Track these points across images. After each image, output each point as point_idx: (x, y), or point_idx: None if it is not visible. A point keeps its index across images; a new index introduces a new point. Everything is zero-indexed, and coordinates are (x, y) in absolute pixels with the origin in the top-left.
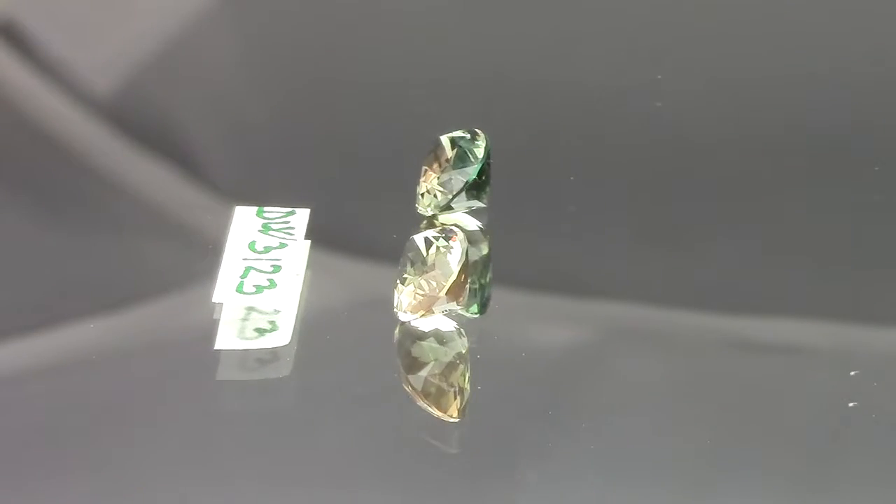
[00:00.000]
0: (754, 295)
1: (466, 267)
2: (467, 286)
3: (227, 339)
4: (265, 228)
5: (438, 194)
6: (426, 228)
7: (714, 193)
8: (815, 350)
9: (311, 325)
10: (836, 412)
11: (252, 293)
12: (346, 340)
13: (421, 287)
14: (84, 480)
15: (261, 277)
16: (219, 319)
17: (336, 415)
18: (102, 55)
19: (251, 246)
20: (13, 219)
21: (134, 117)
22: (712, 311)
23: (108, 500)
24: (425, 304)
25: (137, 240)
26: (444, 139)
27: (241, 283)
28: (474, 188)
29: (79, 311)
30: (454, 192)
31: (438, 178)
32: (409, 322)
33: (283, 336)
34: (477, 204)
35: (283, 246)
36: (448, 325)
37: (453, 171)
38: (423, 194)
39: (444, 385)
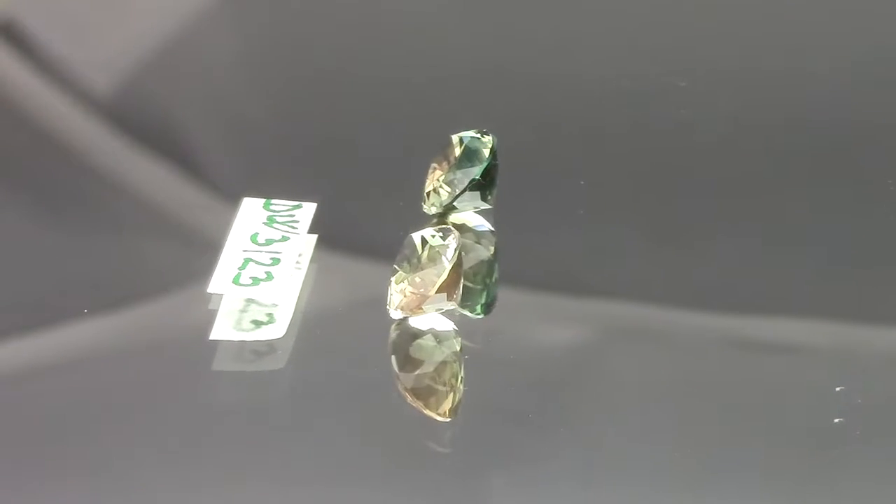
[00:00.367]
0: (756, 295)
1: (460, 266)
2: (461, 285)
3: (223, 329)
4: (270, 221)
5: (442, 193)
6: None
7: (714, 193)
8: (816, 350)
9: (310, 319)
10: (835, 412)
11: (248, 285)
12: (344, 336)
13: (412, 285)
14: (82, 479)
15: (259, 270)
16: (215, 310)
17: (327, 410)
18: (102, 54)
19: (253, 238)
20: (13, 218)
21: (133, 116)
22: (713, 311)
23: (107, 498)
24: (416, 301)
25: (137, 238)
26: (454, 138)
27: (239, 275)
28: (478, 188)
29: (78, 309)
30: (457, 192)
31: (444, 177)
32: (407, 320)
33: (278, 329)
34: (482, 205)
35: (284, 239)
36: (443, 325)
37: (458, 171)
38: (428, 193)
39: (435, 384)
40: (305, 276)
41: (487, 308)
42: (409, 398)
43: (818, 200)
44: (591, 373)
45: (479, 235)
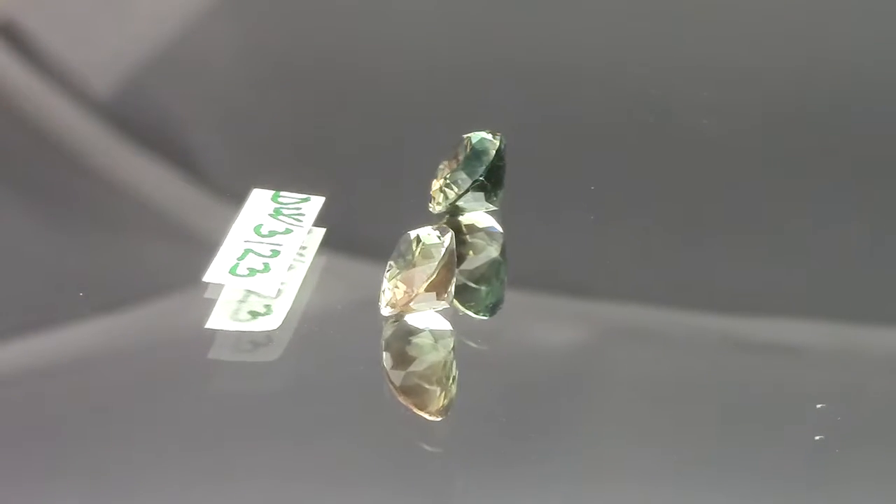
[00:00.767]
0: (758, 296)
1: (452, 265)
2: (452, 285)
3: (220, 319)
4: (276, 213)
5: (448, 193)
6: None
7: (715, 193)
8: (817, 351)
9: (309, 312)
10: (835, 413)
11: (245, 276)
12: (342, 331)
13: (403, 282)
14: (80, 480)
15: (257, 261)
16: (212, 299)
17: (317, 405)
18: (102, 55)
19: (257, 229)
20: (13, 218)
21: (133, 117)
22: (713, 312)
23: (106, 498)
24: (405, 299)
25: (136, 239)
26: (465, 138)
27: (237, 265)
28: (482, 189)
29: (77, 310)
30: (460, 192)
31: (449, 176)
32: (403, 318)
33: (274, 320)
34: (487, 205)
35: (288, 232)
36: (440, 324)
37: (462, 171)
38: (434, 192)
39: (425, 383)
40: (309, 270)
41: (492, 309)
42: (399, 396)
43: (818, 201)
44: (591, 374)
45: (487, 236)
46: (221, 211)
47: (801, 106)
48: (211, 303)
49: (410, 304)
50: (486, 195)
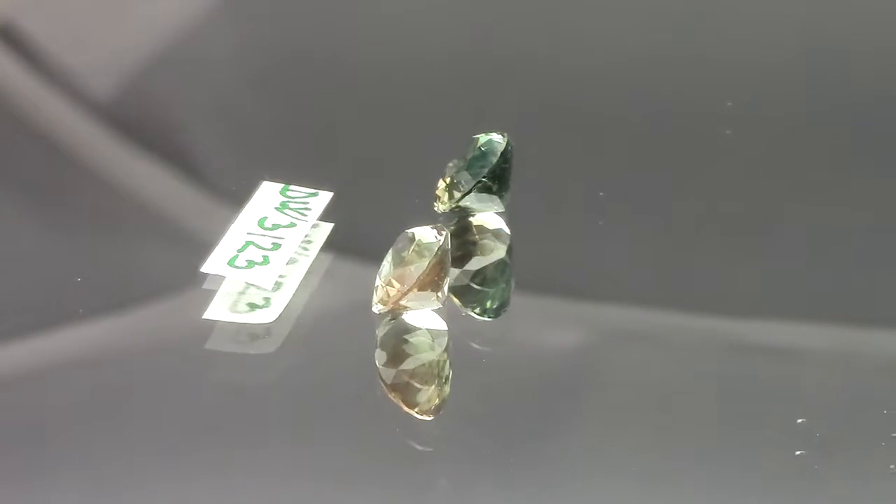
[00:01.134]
0: (757, 297)
1: (443, 265)
2: (444, 284)
3: (218, 310)
4: (282, 206)
5: (451, 193)
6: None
7: (714, 195)
8: (817, 352)
9: (311, 307)
10: (834, 414)
11: (243, 267)
12: (340, 327)
13: (394, 279)
14: (78, 481)
15: (257, 253)
16: (210, 290)
17: (308, 400)
18: (102, 57)
19: (261, 222)
20: (12, 220)
21: (133, 118)
22: (713, 314)
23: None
24: (395, 297)
25: (136, 240)
26: (473, 139)
27: (236, 257)
28: (486, 190)
29: (76, 311)
30: (463, 192)
31: (453, 176)
32: (400, 317)
33: (271, 313)
34: (491, 207)
35: (291, 225)
36: (436, 324)
37: (466, 171)
38: (439, 192)
39: (415, 382)
40: (312, 264)
41: (497, 311)
42: (389, 393)
43: (818, 201)
44: (591, 377)
45: (495, 237)
46: (221, 211)
47: (800, 107)
48: (209, 294)
49: (401, 302)
50: (490, 196)
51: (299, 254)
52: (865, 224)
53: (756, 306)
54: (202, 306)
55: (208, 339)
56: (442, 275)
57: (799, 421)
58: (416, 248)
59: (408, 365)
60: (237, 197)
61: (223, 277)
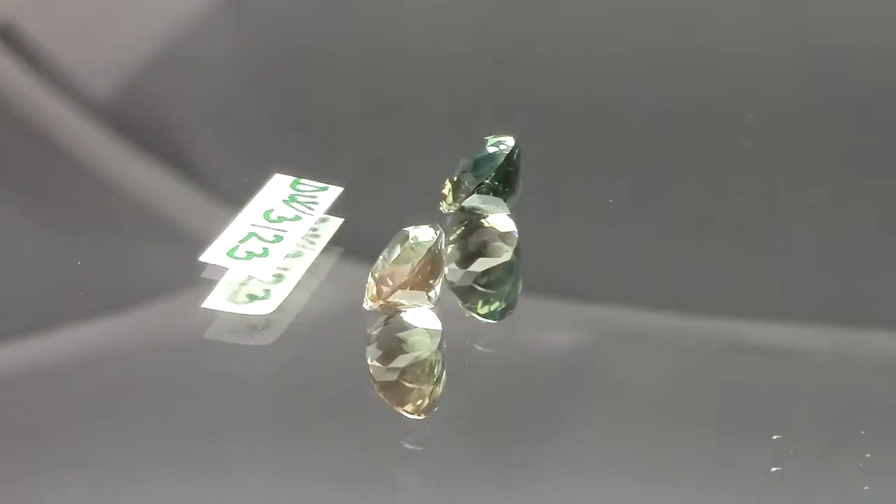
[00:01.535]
0: (757, 298)
1: (436, 264)
2: (437, 283)
3: (218, 300)
4: (290, 199)
5: (455, 193)
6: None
7: (714, 195)
8: (817, 354)
9: (313, 300)
10: (835, 415)
11: (242, 258)
12: (339, 323)
13: (386, 276)
14: (78, 480)
15: (258, 245)
16: (208, 279)
17: (301, 395)
18: (101, 57)
19: (266, 214)
20: (11, 220)
21: (132, 119)
22: (712, 315)
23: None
24: (385, 294)
25: (135, 241)
26: (484, 140)
27: (237, 248)
28: (489, 192)
29: (75, 312)
30: (465, 193)
31: (459, 178)
32: (398, 315)
33: (269, 305)
34: (496, 209)
35: (296, 219)
36: (432, 323)
37: (470, 173)
38: (445, 192)
39: (405, 381)
40: (318, 258)
41: (501, 314)
42: (379, 392)
43: (818, 202)
44: (586, 376)
45: (502, 239)
46: (220, 212)
47: (803, 107)
48: (207, 284)
49: (391, 300)
50: (494, 198)
51: (305, 247)
52: (867, 225)
53: (761, 309)
54: (200, 299)
55: (207, 329)
56: (433, 274)
57: (774, 437)
58: (410, 247)
59: (398, 363)
60: (237, 197)
61: (223, 268)
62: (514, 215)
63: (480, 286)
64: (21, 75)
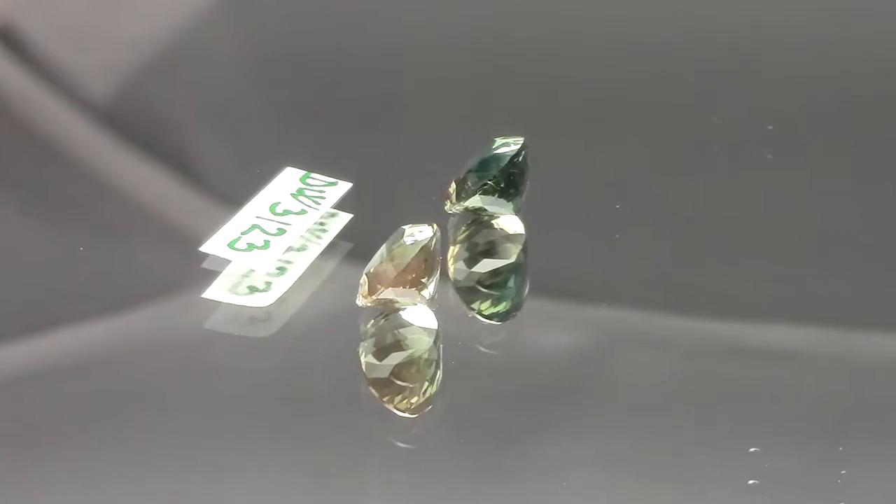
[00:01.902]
0: (761, 302)
1: (429, 262)
2: (431, 282)
3: (218, 290)
4: (298, 193)
5: (459, 193)
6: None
7: (714, 195)
8: (817, 355)
9: (315, 295)
10: (834, 416)
11: (242, 250)
12: (338, 320)
13: (379, 274)
14: (78, 478)
15: (260, 237)
16: (209, 270)
17: (296, 391)
18: (100, 58)
19: (272, 207)
20: (10, 221)
21: (131, 120)
22: (717, 319)
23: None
24: (377, 291)
25: (135, 242)
26: (493, 141)
27: (238, 239)
28: (492, 193)
29: (75, 312)
30: (468, 194)
31: (464, 177)
32: (396, 313)
33: (268, 298)
34: (500, 210)
35: (302, 213)
36: (428, 323)
37: (474, 173)
38: (450, 192)
39: (397, 379)
40: (322, 253)
41: (504, 315)
42: (371, 388)
43: (817, 203)
44: (586, 377)
45: (509, 241)
46: (219, 213)
47: (803, 107)
48: (208, 274)
49: (382, 297)
50: (499, 198)
51: (310, 241)
52: (867, 225)
53: (766, 312)
54: (201, 290)
55: (207, 320)
56: (426, 273)
57: (752, 450)
58: (404, 245)
59: (390, 361)
60: (239, 195)
61: (225, 259)
62: (522, 216)
63: (486, 287)
64: (21, 75)
